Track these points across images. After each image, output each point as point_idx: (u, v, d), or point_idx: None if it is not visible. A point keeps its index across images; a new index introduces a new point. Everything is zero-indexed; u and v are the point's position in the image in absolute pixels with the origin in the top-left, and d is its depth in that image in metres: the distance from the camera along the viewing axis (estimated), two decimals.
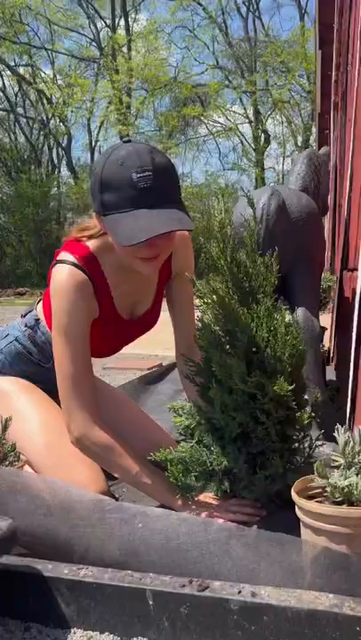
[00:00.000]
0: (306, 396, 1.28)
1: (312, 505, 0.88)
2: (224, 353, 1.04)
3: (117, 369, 3.54)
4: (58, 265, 1.27)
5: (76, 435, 1.24)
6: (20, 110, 23.49)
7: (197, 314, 1.25)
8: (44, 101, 22.79)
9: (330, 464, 0.98)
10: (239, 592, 0.84)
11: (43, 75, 22.82)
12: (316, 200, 2.17)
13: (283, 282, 1.83)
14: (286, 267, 1.81)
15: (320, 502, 0.92)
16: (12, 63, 21.93)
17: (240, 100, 22.09)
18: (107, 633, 0.88)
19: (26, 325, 1.50)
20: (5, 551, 0.90)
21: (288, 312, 1.30)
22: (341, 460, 0.93)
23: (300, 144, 22.15)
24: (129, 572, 0.91)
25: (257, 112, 21.81)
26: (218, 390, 1.06)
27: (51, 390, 1.49)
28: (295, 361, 1.06)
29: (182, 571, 0.91)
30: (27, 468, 1.31)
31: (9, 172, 22.46)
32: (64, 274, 1.24)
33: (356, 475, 0.89)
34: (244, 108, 22.20)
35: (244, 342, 1.00)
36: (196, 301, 1.30)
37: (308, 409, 1.14)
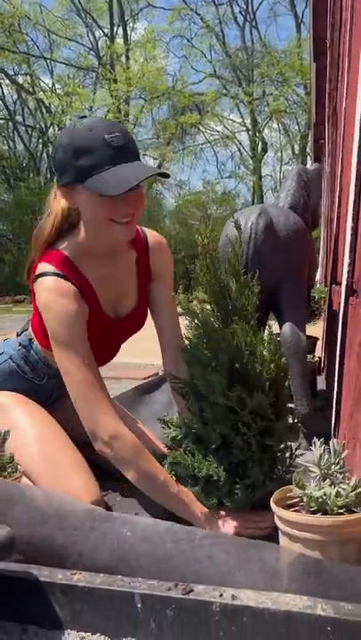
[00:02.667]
0: (291, 406, 1.35)
1: (288, 514, 0.94)
2: (206, 369, 1.11)
3: (113, 378, 3.60)
4: (39, 279, 1.30)
5: (105, 439, 1.21)
6: (18, 118, 23.66)
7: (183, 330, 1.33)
8: (43, 110, 22.95)
9: (309, 474, 1.05)
10: (221, 595, 0.90)
11: (42, 84, 23.00)
12: (305, 215, 2.26)
13: (271, 297, 1.90)
14: (274, 283, 1.89)
15: (297, 511, 0.98)
16: (12, 72, 22.11)
17: (237, 108, 22.27)
18: (98, 634, 0.95)
19: (20, 344, 1.56)
20: (4, 558, 0.96)
21: (268, 329, 1.37)
22: (317, 472, 0.99)
23: (296, 152, 22.33)
24: (119, 576, 0.98)
25: (254, 120, 22.00)
26: (200, 404, 1.13)
27: (44, 402, 1.55)
28: (275, 375, 1.13)
29: (168, 575, 0.97)
30: (24, 479, 1.37)
31: (8, 179, 22.59)
32: (47, 286, 1.28)
33: (331, 485, 0.96)
34: (242, 117, 22.39)
35: (225, 360, 1.08)
36: (179, 309, 1.36)
37: (289, 420, 1.21)
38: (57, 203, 1.39)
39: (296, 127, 22.30)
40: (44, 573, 1.00)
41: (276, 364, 1.14)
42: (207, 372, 1.16)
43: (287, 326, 1.81)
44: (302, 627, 0.85)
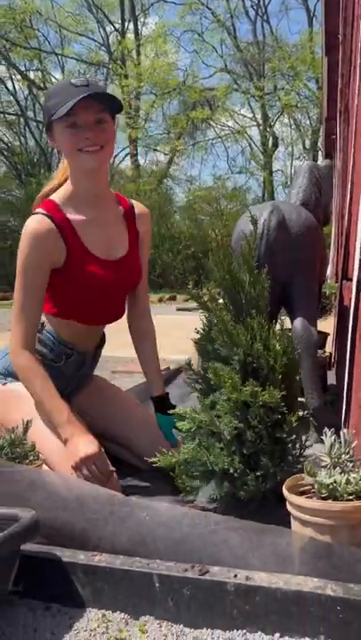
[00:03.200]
0: (302, 400, 1.39)
1: (300, 499, 0.99)
2: (220, 363, 1.15)
3: (125, 372, 3.65)
4: (30, 217, 1.50)
5: (11, 353, 1.49)
6: (30, 114, 23.72)
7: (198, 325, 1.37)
8: None
9: (320, 463, 1.09)
10: (235, 576, 0.95)
11: (53, 79, 23.03)
12: (316, 211, 2.29)
13: (283, 293, 1.94)
14: (286, 279, 1.92)
15: (309, 498, 1.02)
16: (23, 68, 22.17)
17: (248, 103, 22.18)
18: (118, 612, 1.00)
19: None
20: (29, 539, 1.02)
21: (280, 324, 1.41)
22: (328, 460, 1.03)
23: (308, 147, 22.21)
24: (138, 558, 1.03)
25: (265, 115, 21.89)
26: (213, 397, 1.17)
27: (64, 390, 1.60)
28: (287, 370, 1.17)
29: (185, 558, 1.01)
30: (44, 466, 1.43)
31: (19, 175, 22.69)
32: (31, 221, 1.47)
33: (340, 473, 1.00)
34: (253, 112, 22.29)
35: (240, 354, 1.12)
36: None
37: (299, 413, 1.25)
38: (63, 163, 1.59)
39: (307, 122, 22.16)
40: (66, 554, 1.05)
41: (289, 357, 1.18)
42: (221, 367, 1.20)
43: (298, 321, 1.85)
44: (313, 606, 0.89)
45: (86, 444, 1.37)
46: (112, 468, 1.41)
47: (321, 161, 2.95)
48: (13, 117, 23.41)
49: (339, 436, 1.07)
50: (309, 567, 0.95)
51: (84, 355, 1.68)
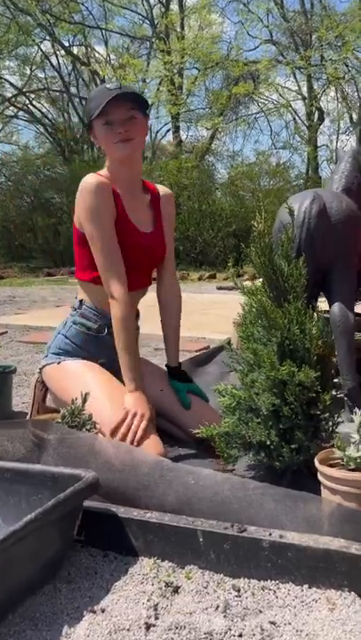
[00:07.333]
0: (336, 381, 1.49)
1: (330, 470, 1.10)
2: (259, 344, 1.27)
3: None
4: (86, 176, 1.71)
5: (115, 297, 1.64)
6: (73, 90, 23.81)
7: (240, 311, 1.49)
8: (98, 81, 22.98)
9: (350, 440, 1.20)
10: (270, 534, 1.08)
11: (96, 55, 23.01)
12: (359, 197, 2.33)
13: (322, 278, 2.02)
14: (326, 265, 1.99)
15: (338, 469, 1.14)
16: (67, 44, 22.20)
17: (293, 75, 21.57)
18: (166, 561, 1.14)
19: (73, 309, 1.84)
20: (90, 496, 1.17)
21: (317, 309, 1.50)
22: (356, 437, 1.14)
23: (355, 120, 21.51)
24: (184, 516, 1.17)
25: (311, 88, 21.28)
26: (253, 376, 1.29)
27: (111, 365, 1.75)
28: (322, 353, 1.28)
29: (225, 518, 1.15)
30: (99, 436, 1.58)
31: (63, 152, 22.92)
32: (90, 177, 1.69)
33: None
34: (298, 85, 21.68)
35: (277, 337, 1.23)
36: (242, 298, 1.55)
37: (333, 393, 1.35)
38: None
39: (355, 94, 21.42)
40: (121, 510, 1.21)
41: (324, 341, 1.28)
42: (260, 348, 1.32)
43: (336, 306, 1.93)
44: (338, 562, 1.02)
45: (143, 404, 1.58)
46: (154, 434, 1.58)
47: None
48: (57, 94, 23.55)
49: None
50: (336, 529, 1.06)
51: None
